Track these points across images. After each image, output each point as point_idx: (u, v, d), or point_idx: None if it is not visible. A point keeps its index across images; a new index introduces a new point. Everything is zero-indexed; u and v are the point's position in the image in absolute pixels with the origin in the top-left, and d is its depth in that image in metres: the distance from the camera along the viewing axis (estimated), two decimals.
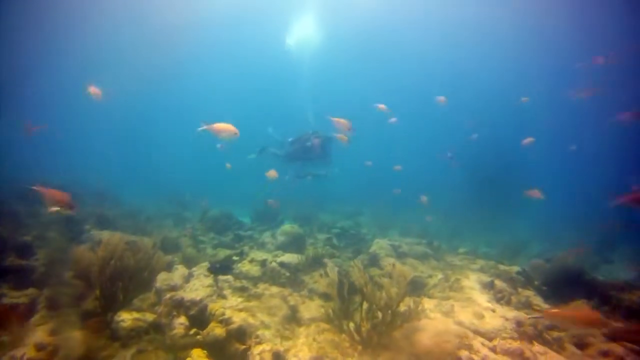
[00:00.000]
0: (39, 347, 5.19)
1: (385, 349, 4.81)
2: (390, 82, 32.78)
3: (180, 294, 5.45)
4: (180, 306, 5.29)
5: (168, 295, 5.42)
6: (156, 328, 5.01)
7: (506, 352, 4.90)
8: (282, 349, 4.62)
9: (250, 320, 5.05)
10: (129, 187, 18.07)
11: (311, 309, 5.99)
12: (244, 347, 4.64)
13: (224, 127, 5.23)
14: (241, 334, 4.79)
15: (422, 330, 5.14)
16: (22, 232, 8.43)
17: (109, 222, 9.85)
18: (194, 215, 13.04)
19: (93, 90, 7.35)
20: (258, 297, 6.09)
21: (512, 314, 6.07)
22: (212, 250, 9.24)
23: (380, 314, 4.89)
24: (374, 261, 9.07)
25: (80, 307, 5.85)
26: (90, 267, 4.97)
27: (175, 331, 4.76)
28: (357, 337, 4.89)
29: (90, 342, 4.30)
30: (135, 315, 5.62)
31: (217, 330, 4.65)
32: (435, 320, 5.77)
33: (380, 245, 10.56)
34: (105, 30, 25.58)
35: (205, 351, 4.29)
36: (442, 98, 11.47)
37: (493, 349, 4.99)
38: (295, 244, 9.87)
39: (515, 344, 4.93)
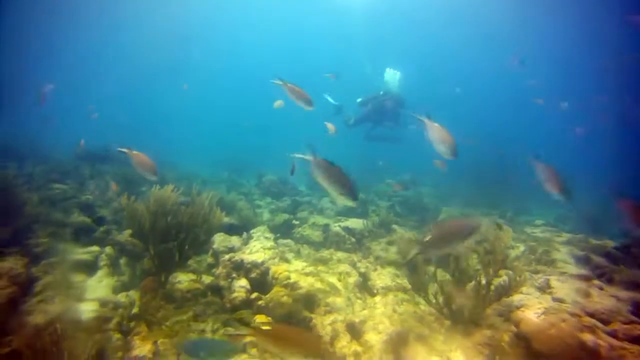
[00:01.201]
0: (102, 304, 4.93)
1: (478, 326, 3.97)
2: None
3: (239, 256, 4.90)
4: (240, 268, 4.74)
5: (227, 257, 4.89)
6: (214, 291, 4.50)
7: (632, 340, 3.87)
8: (357, 319, 3.92)
9: (319, 285, 4.39)
10: (185, 155, 18.08)
11: (384, 277, 5.23)
12: (312, 315, 3.99)
13: (302, 93, 4.59)
14: (309, 301, 4.14)
15: (524, 306, 4.22)
16: (85, 191, 8.42)
17: (166, 184, 9.62)
18: (249, 182, 12.63)
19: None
20: (324, 262, 5.43)
21: (624, 293, 4.95)
22: (269, 214, 8.72)
23: (473, 286, 4.04)
24: None
25: (138, 266, 5.54)
26: (144, 224, 4.51)
27: (235, 295, 4.20)
28: (445, 311, 4.08)
29: (145, 302, 3.85)
30: (192, 276, 5.19)
31: (282, 296, 4.03)
32: (531, 296, 4.82)
33: (449, 213, 9.55)
34: None
35: (270, 318, 3.67)
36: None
37: (613, 334, 3.98)
38: (356, 210, 9.13)
39: None
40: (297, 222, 7.73)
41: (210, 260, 5.76)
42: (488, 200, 12.24)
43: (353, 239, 6.93)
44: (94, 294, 5.33)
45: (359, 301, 4.52)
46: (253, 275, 4.65)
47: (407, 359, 3.50)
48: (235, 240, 6.00)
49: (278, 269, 4.54)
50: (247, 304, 4.15)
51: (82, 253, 6.22)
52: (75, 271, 5.87)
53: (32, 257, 5.78)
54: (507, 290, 4.06)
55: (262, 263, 4.75)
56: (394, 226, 7.60)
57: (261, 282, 4.62)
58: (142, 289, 4.38)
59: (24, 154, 11.00)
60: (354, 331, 3.79)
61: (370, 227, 7.32)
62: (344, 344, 3.59)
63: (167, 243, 4.43)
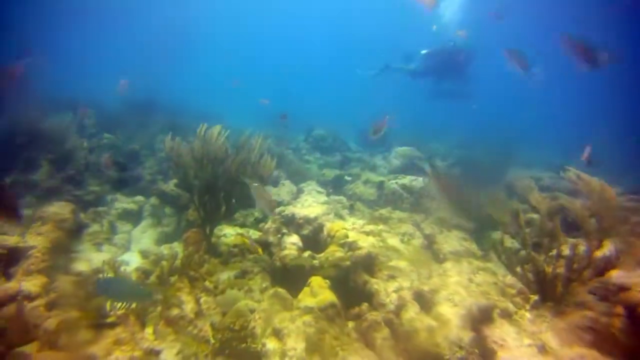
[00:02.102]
0: (144, 255, 4.69)
1: (579, 306, 3.23)
2: None
3: (291, 210, 4.38)
4: (291, 223, 4.23)
5: (277, 210, 4.38)
6: (263, 247, 4.03)
7: None
8: (426, 288, 3.31)
9: (381, 246, 3.81)
10: (231, 110, 17.73)
11: (451, 240, 4.55)
12: (374, 279, 3.43)
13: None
14: (370, 263, 3.56)
15: (627, 284, 3.40)
16: (133, 141, 8.23)
17: None
18: (298, 137, 12.02)
19: None
20: (384, 220, 4.81)
21: None
22: (319, 169, 8.15)
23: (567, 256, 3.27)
24: (512, 192, 7.19)
25: (183, 217, 5.23)
26: (188, 172, 4.07)
27: (285, 252, 3.71)
28: (533, 285, 3.37)
29: (188, 255, 3.44)
30: (239, 230, 4.77)
31: (338, 256, 3.47)
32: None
33: (515, 176, 8.53)
34: None
35: (326, 281, 3.15)
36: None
37: None
38: (413, 168, 8.34)
39: None
40: (349, 178, 7.11)
41: (258, 214, 5.33)
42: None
43: (411, 198, 6.23)
44: (138, 244, 5.11)
45: (426, 267, 3.90)
46: (305, 231, 4.14)
47: (493, 339, 2.87)
48: (284, 194, 5.51)
49: (334, 226, 3.98)
50: (299, 261, 3.65)
51: (128, 202, 6.02)
52: (121, 220, 5.68)
53: (82, 204, 5.65)
54: (610, 263, 3.27)
55: (316, 219, 4.21)
56: None
57: (314, 239, 4.10)
58: (186, 241, 4.01)
59: (78, 103, 11.06)
60: (424, 301, 3.19)
61: (430, 186, 6.56)
62: (413, 315, 3.00)
63: (213, 193, 3.98)
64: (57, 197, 5.50)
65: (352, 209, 5.46)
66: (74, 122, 7.82)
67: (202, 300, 3.18)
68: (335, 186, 6.74)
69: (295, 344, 2.51)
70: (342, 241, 3.71)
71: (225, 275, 3.52)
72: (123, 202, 5.94)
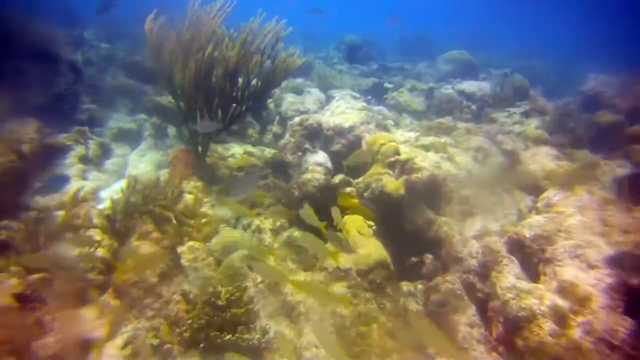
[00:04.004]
0: (129, 184, 3.64)
1: None
2: None
3: (316, 118, 3.05)
4: (316, 137, 2.93)
5: (297, 120, 3.07)
6: (277, 169, 2.81)
7: None
8: (527, 232, 2.02)
9: (448, 167, 2.49)
10: None
11: (541, 158, 3.13)
12: (442, 217, 2.16)
13: None
14: (434, 192, 2.28)
15: None
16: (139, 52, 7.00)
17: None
18: (328, 47, 10.25)
19: None
20: (446, 132, 3.40)
21: None
22: (352, 79, 6.62)
23: None
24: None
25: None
26: (172, 63, 2.77)
27: (308, 176, 2.47)
28: None
29: (151, 186, 2.27)
30: (251, 149, 3.56)
31: (387, 182, 2.20)
32: None
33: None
34: None
35: (369, 222, 1.91)
36: None
37: None
38: (466, 74, 6.67)
39: None
40: (389, 86, 5.61)
41: (276, 129, 4.09)
42: None
43: (473, 107, 4.74)
44: (134, 170, 4.07)
45: (514, 197, 2.58)
46: (336, 147, 2.86)
47: None
48: (310, 103, 4.18)
49: (378, 138, 2.62)
50: (326, 192, 2.42)
51: (126, 121, 4.92)
52: (118, 142, 4.63)
53: (76, 123, 4.61)
54: None
55: (351, 129, 2.89)
56: (532, 91, 5.15)
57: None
58: (172, 162, 2.85)
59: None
60: (527, 257, 1.92)
61: (498, 92, 4.99)
62: (512, 280, 1.76)
63: (206, 94, 2.69)
64: (48, 116, 4.46)
65: (396, 122, 4.08)
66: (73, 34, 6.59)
67: (186, 247, 2.08)
68: (373, 95, 5.29)
69: (316, 339, 1.38)
70: (391, 159, 2.40)
71: (222, 212, 2.38)
72: (120, 121, 4.84)
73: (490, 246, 1.91)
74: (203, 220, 2.23)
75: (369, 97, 4.96)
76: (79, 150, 4.11)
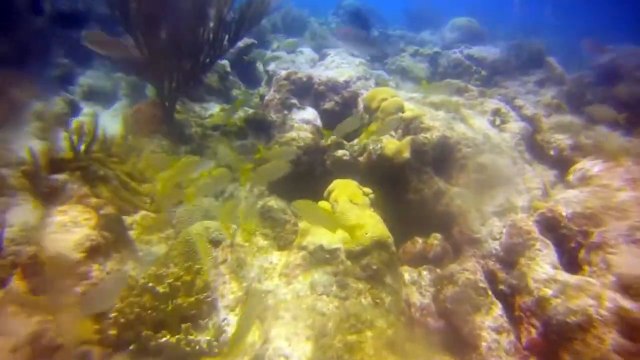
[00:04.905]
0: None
1: None
2: None
3: (306, 72, 2.56)
4: (305, 93, 2.45)
5: (283, 74, 2.56)
6: (257, 128, 2.34)
7: None
8: (562, 210, 1.59)
9: (462, 129, 2.03)
10: None
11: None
12: (453, 188, 1.73)
13: None
14: (445, 156, 1.83)
15: None
16: None
17: None
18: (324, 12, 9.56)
19: None
20: (458, 92, 2.91)
21: None
22: None
23: None
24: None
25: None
26: None
27: (292, 134, 2.01)
28: None
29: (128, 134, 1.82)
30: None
31: (388, 144, 1.75)
32: None
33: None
34: None
35: (366, 190, 1.46)
36: None
37: None
38: (474, 44, 6.13)
39: None
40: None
41: (264, 91, 3.59)
42: None
43: (483, 72, 4.26)
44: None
45: (531, 167, 2.14)
46: (328, 104, 2.39)
47: None
48: (301, 62, 3.67)
49: (378, 93, 2.14)
50: (313, 155, 1.97)
51: (99, 78, 4.40)
52: (88, 100, 4.12)
53: (45, 80, 4.08)
54: None
55: (347, 84, 2.42)
56: (549, 58, 4.65)
57: (344, 117, 2.37)
58: (133, 117, 2.37)
59: None
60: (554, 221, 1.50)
61: (511, 59, 4.49)
62: (545, 268, 1.35)
63: (168, 32, 2.19)
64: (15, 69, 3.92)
65: (397, 86, 3.59)
66: None
67: (132, 220, 1.64)
68: (373, 61, 4.78)
69: (286, 347, 0.96)
70: (394, 117, 1.94)
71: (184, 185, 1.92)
72: (92, 78, 4.31)
73: (519, 225, 1.48)
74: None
75: (368, 58, 4.45)
76: (39, 107, 3.61)
